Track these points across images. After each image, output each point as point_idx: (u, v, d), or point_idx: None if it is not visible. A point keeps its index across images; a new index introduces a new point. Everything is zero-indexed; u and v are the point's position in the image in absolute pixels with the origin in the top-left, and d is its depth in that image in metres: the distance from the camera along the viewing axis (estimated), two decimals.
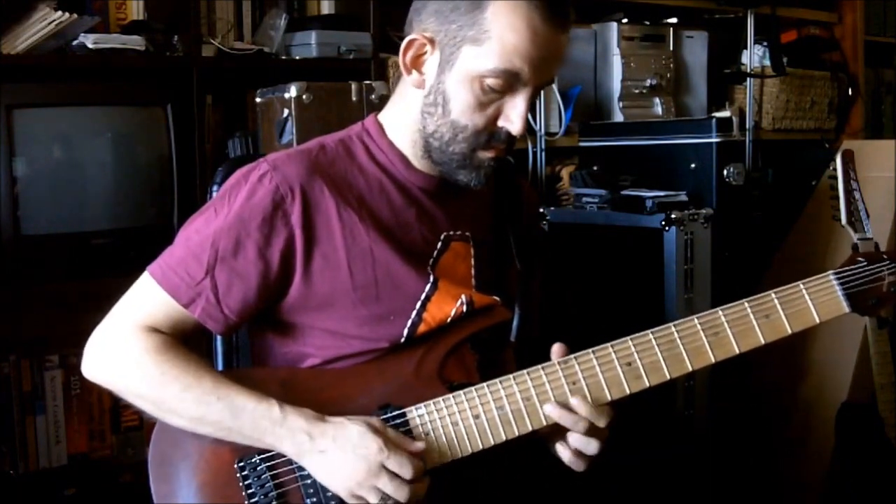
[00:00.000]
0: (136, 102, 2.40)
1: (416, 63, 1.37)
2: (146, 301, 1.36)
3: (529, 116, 2.81)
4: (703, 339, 1.35)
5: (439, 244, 1.43)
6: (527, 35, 1.30)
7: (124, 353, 1.34)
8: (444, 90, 1.35)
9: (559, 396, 1.33)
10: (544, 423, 1.33)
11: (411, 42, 1.36)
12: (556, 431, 1.37)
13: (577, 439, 1.34)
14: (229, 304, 1.35)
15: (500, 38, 1.30)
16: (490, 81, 1.32)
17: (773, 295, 1.36)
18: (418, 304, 1.38)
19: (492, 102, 1.34)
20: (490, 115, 1.35)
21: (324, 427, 1.28)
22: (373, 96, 2.49)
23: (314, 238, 1.36)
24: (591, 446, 1.34)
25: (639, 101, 3.16)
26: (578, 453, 1.36)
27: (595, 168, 2.85)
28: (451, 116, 1.35)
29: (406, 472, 1.26)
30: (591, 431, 1.33)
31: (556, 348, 1.36)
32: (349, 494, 1.28)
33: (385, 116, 1.46)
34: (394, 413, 1.33)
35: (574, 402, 1.33)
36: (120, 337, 1.35)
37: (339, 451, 1.27)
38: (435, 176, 1.43)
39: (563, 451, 1.37)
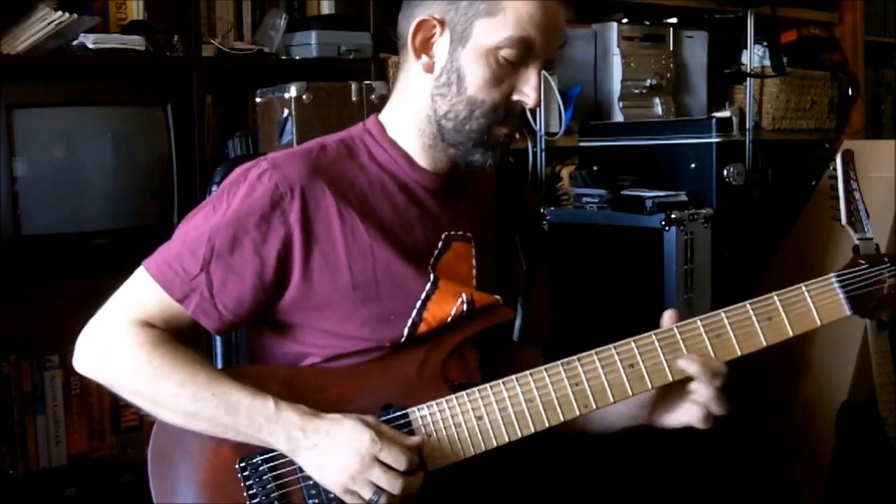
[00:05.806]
0: (136, 102, 2.40)
1: (426, 46, 1.38)
2: (140, 295, 1.35)
3: (529, 115, 2.84)
4: (706, 341, 1.35)
5: (440, 244, 1.43)
6: (538, 3, 1.33)
7: (117, 346, 1.33)
8: (458, 67, 1.35)
9: (562, 398, 1.33)
10: (546, 424, 1.33)
11: (421, 24, 1.37)
12: (661, 403, 1.40)
13: (710, 397, 1.36)
14: (224, 300, 1.35)
15: (514, 7, 1.32)
16: (505, 52, 1.33)
17: (776, 297, 1.36)
18: (418, 304, 1.38)
19: (506, 77, 1.35)
20: (505, 91, 1.36)
21: (318, 422, 1.28)
22: (373, 96, 2.49)
23: (313, 237, 1.35)
24: (721, 404, 1.37)
25: (639, 101, 3.16)
26: (707, 412, 1.38)
27: (595, 168, 2.85)
28: (466, 93, 1.36)
29: (400, 463, 1.25)
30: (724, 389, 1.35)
31: (669, 314, 1.37)
32: (343, 490, 1.27)
33: (386, 116, 1.46)
34: (396, 413, 1.32)
35: (699, 359, 1.34)
36: (113, 330, 1.34)
37: (332, 445, 1.26)
38: (439, 174, 1.43)
39: (685, 414, 1.40)
